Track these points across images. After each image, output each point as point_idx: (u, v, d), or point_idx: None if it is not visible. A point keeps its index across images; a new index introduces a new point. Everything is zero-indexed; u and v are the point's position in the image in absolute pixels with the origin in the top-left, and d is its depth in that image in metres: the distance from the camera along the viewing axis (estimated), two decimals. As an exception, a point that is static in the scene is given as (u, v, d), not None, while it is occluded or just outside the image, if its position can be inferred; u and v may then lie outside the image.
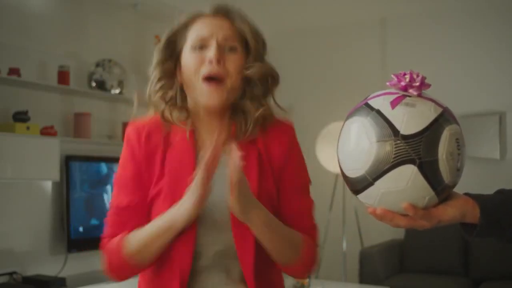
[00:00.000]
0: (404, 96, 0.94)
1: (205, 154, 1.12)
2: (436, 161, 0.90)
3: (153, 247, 1.19)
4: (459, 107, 4.33)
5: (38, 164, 3.45)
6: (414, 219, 0.94)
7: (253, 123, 1.26)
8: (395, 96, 0.95)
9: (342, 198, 4.78)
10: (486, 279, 4.14)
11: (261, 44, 1.29)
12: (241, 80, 1.24)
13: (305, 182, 1.33)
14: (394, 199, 0.93)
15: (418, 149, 0.90)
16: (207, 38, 1.22)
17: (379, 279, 4.19)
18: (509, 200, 0.99)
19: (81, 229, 3.82)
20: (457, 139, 0.94)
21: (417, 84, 0.95)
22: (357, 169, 0.95)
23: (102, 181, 3.98)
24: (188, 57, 1.23)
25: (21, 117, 3.46)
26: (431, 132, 0.91)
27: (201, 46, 1.22)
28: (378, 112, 0.93)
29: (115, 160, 4.01)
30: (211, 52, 1.20)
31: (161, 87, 1.27)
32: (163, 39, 1.28)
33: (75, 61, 4.00)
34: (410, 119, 0.91)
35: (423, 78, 0.95)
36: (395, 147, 0.90)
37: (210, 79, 1.20)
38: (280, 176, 1.28)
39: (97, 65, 4.06)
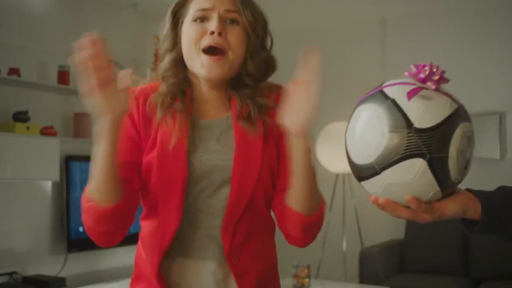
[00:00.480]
0: (421, 88, 0.93)
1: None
2: (446, 158, 0.89)
3: (100, 179, 1.14)
4: (459, 107, 4.30)
5: (38, 164, 3.45)
6: (416, 211, 0.94)
7: (256, 107, 1.26)
8: (412, 87, 0.93)
9: (342, 198, 4.78)
10: (486, 279, 4.14)
11: (261, 25, 1.29)
12: (242, 54, 1.24)
13: None
14: (398, 191, 0.92)
15: (429, 144, 0.88)
16: (208, 10, 1.21)
17: (379, 279, 4.19)
18: (510, 197, 0.99)
19: (81, 229, 3.81)
20: (468, 137, 0.93)
21: (437, 77, 0.93)
22: (365, 156, 0.93)
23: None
24: (189, 29, 1.22)
25: (21, 117, 3.46)
26: (445, 128, 0.89)
27: (202, 18, 1.21)
28: (393, 101, 0.92)
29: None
30: (212, 24, 1.19)
31: (171, 60, 1.26)
32: (168, 11, 1.28)
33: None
34: (425, 113, 0.90)
35: (443, 72, 0.94)
36: (407, 140, 0.88)
37: (211, 50, 1.19)
38: (279, 142, 1.26)
39: (97, 65, 4.05)
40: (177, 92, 1.25)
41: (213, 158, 1.22)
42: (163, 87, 1.25)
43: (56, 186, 3.79)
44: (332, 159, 4.54)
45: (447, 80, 0.94)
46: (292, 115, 1.09)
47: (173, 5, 1.28)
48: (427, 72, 0.93)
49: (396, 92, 0.93)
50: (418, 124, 0.88)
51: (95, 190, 1.15)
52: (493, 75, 4.71)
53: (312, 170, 1.17)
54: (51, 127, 3.64)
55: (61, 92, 3.86)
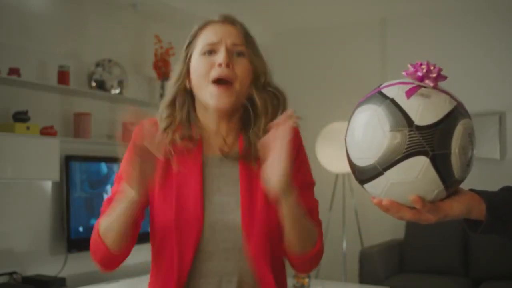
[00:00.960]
0: (420, 86, 0.92)
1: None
2: (448, 155, 0.88)
3: (119, 223, 1.20)
4: (459, 107, 4.28)
5: (38, 164, 3.44)
6: (420, 212, 0.93)
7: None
8: (410, 86, 0.93)
9: (342, 198, 4.78)
10: (486, 279, 4.14)
11: (263, 61, 1.32)
12: (248, 84, 1.27)
13: (310, 181, 1.35)
14: (402, 191, 0.90)
15: (431, 141, 0.87)
16: (216, 44, 1.25)
17: (379, 279, 4.19)
18: None
19: (81, 229, 3.81)
20: (469, 133, 0.92)
21: (434, 75, 0.93)
22: (367, 158, 0.92)
23: (102, 181, 3.98)
24: (197, 62, 1.26)
25: (21, 117, 3.45)
26: (445, 124, 0.89)
27: (210, 51, 1.25)
28: (393, 101, 0.91)
29: (115, 160, 4.00)
30: (220, 56, 1.22)
31: (177, 90, 1.30)
32: (186, 45, 1.31)
33: (75, 61, 3.99)
34: (425, 110, 0.89)
35: (440, 70, 0.94)
36: (409, 138, 0.87)
37: (219, 82, 1.22)
38: None
39: (97, 65, 4.05)
40: (185, 122, 1.28)
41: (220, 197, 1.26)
42: (167, 121, 1.29)
43: (56, 186, 3.77)
44: (332, 159, 4.53)
45: (444, 78, 0.94)
46: (270, 172, 1.12)
47: (186, 43, 1.31)
48: (424, 70, 0.93)
49: (395, 91, 0.93)
50: (418, 121, 0.88)
51: (109, 230, 1.21)
52: (493, 75, 4.71)
53: (301, 221, 1.20)
54: (51, 127, 3.63)
55: (61, 92, 3.85)
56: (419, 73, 0.93)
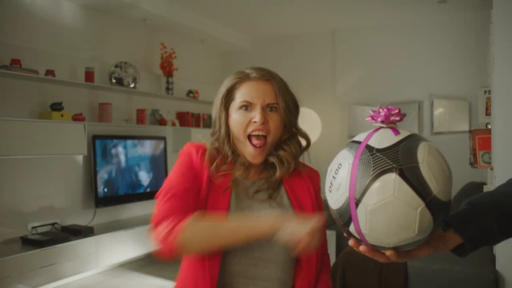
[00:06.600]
0: (380, 128, 0.74)
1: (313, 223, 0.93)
2: (417, 167, 0.67)
3: (217, 241, 0.97)
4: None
5: (70, 143, 3.38)
6: (393, 257, 0.74)
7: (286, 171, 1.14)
8: (372, 130, 0.75)
9: (302, 160, 4.75)
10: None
11: (293, 105, 1.14)
12: (279, 135, 1.11)
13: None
14: (384, 217, 0.67)
15: (396, 158, 0.67)
16: (252, 101, 1.09)
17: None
18: (474, 208, 0.80)
19: (105, 190, 3.77)
20: (436, 149, 0.71)
21: (396, 111, 0.74)
22: (341, 194, 0.71)
23: (120, 154, 3.92)
24: (236, 115, 1.10)
25: (56, 107, 3.37)
26: (407, 143, 0.69)
27: (247, 107, 1.09)
28: (354, 141, 0.74)
29: (130, 138, 3.93)
30: (256, 115, 1.08)
31: (224, 132, 1.13)
32: (223, 93, 1.12)
33: (99, 63, 3.88)
34: (383, 138, 0.70)
35: (399, 109, 0.76)
36: (373, 159, 0.68)
37: (255, 135, 1.09)
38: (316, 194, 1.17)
39: (116, 66, 3.94)
40: (228, 153, 1.12)
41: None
42: (214, 145, 1.13)
43: (86, 158, 3.72)
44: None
45: (404, 114, 0.76)
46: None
47: (223, 92, 1.12)
48: (385, 110, 0.74)
49: (359, 136, 0.75)
50: (378, 146, 0.69)
51: (198, 243, 0.96)
52: (416, 74, 4.65)
53: None
54: (80, 114, 3.55)
55: (88, 87, 3.75)
56: (382, 113, 0.74)
